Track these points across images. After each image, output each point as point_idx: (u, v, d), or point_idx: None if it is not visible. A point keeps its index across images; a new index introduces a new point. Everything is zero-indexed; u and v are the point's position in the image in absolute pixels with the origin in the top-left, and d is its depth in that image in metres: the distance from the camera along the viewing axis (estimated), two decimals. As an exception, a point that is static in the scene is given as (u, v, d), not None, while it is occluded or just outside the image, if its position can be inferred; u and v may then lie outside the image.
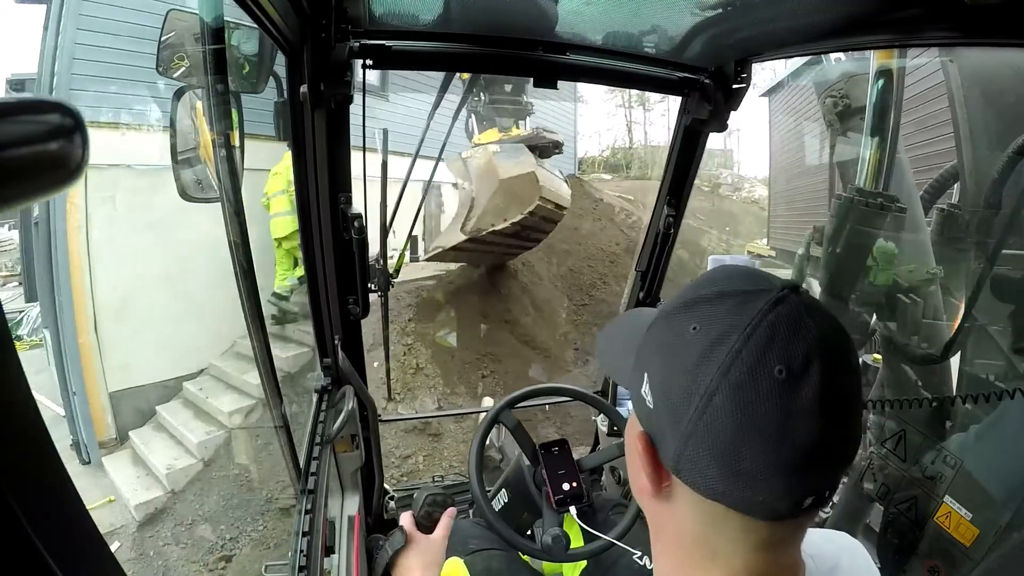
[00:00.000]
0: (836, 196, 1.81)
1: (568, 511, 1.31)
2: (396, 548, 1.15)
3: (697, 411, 0.46)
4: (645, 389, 0.51)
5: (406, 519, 1.21)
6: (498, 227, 5.71)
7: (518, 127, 6.73)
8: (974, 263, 1.60)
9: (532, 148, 5.96)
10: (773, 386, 0.44)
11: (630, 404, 1.86)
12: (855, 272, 1.78)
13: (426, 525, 1.20)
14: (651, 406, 0.50)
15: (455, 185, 6.70)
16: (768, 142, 12.94)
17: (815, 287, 1.88)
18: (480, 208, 5.72)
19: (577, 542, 1.35)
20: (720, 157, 19.57)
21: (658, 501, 0.53)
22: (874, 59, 1.74)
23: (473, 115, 6.83)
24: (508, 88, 6.59)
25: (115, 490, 4.84)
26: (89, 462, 5.22)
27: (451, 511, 1.23)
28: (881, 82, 1.73)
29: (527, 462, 1.42)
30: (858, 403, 0.48)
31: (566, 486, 1.34)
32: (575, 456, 1.41)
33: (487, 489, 1.43)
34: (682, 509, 0.51)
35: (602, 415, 2.08)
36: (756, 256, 11.02)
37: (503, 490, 1.50)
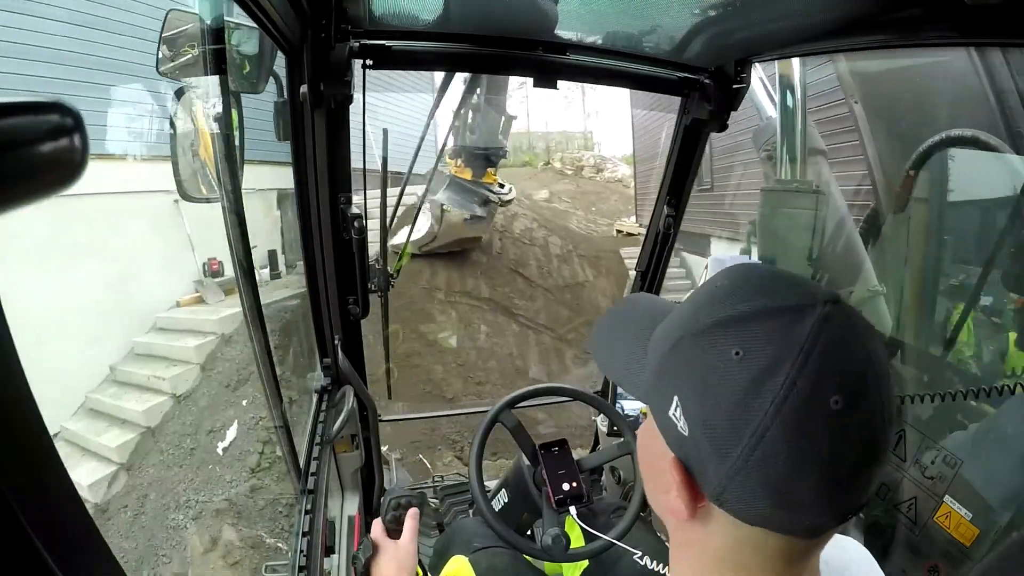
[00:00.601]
0: (761, 189, 2.09)
1: (568, 511, 1.31)
2: (367, 556, 1.13)
3: (748, 447, 0.43)
4: (676, 413, 0.48)
5: (376, 527, 1.19)
6: (441, 250, 8.16)
7: (494, 174, 7.90)
8: (907, 270, 1.72)
9: (486, 157, 7.44)
10: (829, 416, 0.42)
11: (626, 404, 1.86)
12: (784, 250, 2.02)
13: (394, 529, 1.19)
14: (685, 433, 0.47)
15: (423, 211, 7.78)
16: (630, 121, 12.64)
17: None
18: (437, 243, 8.01)
19: (577, 542, 1.35)
20: (581, 139, 19.88)
21: (689, 523, 0.51)
22: (777, 68, 2.03)
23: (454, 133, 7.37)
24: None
25: None
26: None
27: (413, 512, 1.22)
28: (786, 89, 2.02)
29: (527, 462, 1.42)
30: (895, 416, 0.46)
31: (566, 486, 1.34)
32: (575, 456, 1.41)
33: (487, 489, 1.43)
34: (716, 531, 0.49)
35: (602, 415, 2.08)
36: (626, 234, 10.82)
37: (503, 490, 1.50)
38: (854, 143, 2.07)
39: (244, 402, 5.39)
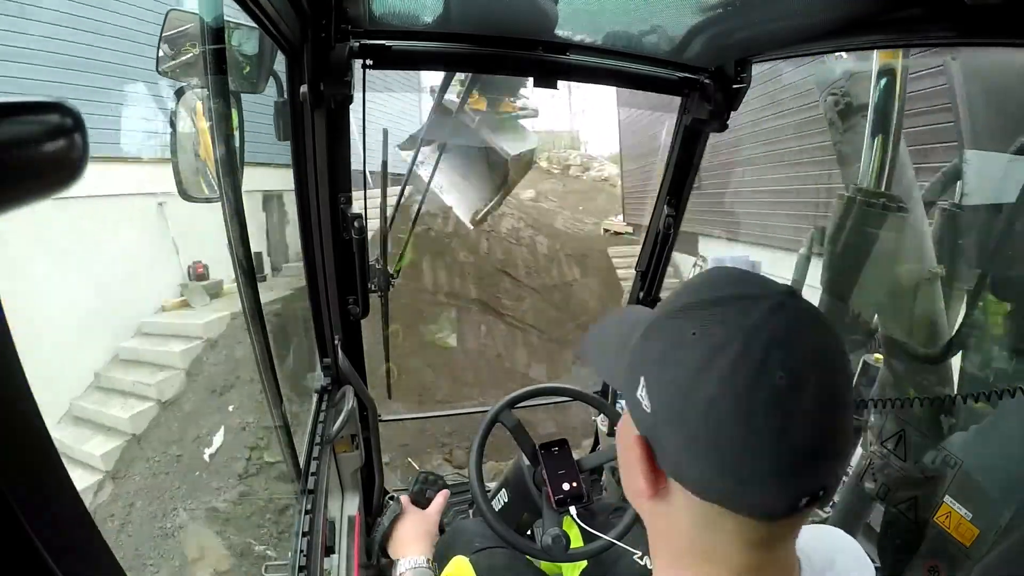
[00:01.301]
0: (839, 195, 1.80)
1: (568, 511, 1.31)
2: (392, 517, 1.22)
3: (701, 416, 0.46)
4: (641, 393, 0.51)
5: (403, 497, 1.29)
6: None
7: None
8: (976, 262, 1.59)
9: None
10: (774, 393, 0.45)
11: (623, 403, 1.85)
12: (856, 272, 1.77)
13: (419, 502, 1.25)
14: (648, 410, 0.51)
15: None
16: (617, 120, 12.40)
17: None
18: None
19: (577, 542, 1.35)
20: (567, 138, 19.52)
21: (654, 503, 0.54)
22: (877, 58, 1.71)
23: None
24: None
25: None
26: None
27: (445, 492, 1.28)
28: (884, 81, 1.70)
29: (527, 462, 1.42)
30: (850, 404, 0.50)
31: (566, 486, 1.34)
32: (575, 456, 1.41)
33: (487, 489, 1.43)
34: (678, 510, 0.52)
35: (602, 415, 2.08)
36: (613, 233, 10.79)
37: (503, 490, 1.50)
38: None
39: (230, 407, 5.37)
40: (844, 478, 1.81)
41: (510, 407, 1.44)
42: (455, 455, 5.76)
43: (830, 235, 1.80)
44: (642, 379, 0.51)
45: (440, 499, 1.26)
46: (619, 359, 0.57)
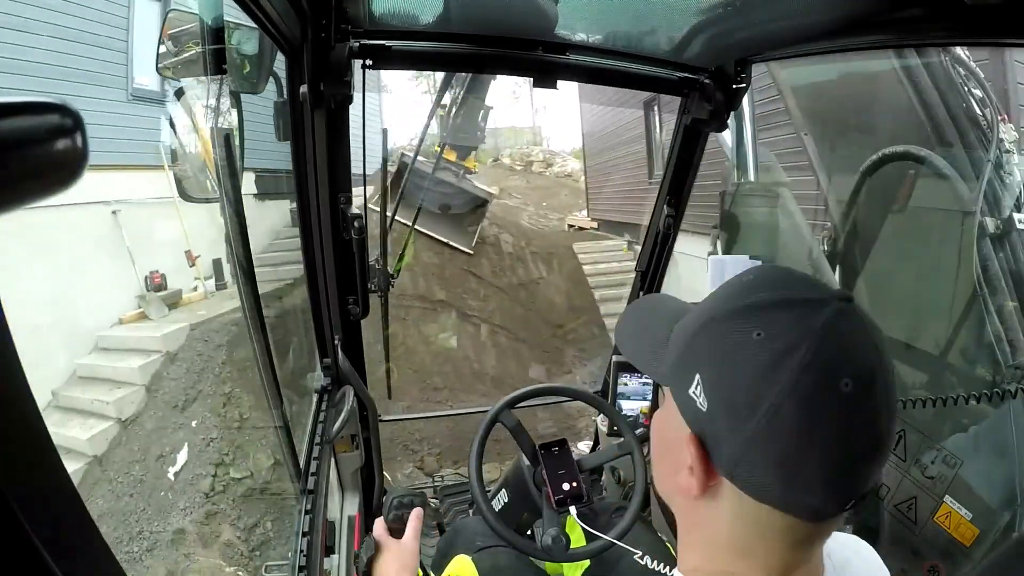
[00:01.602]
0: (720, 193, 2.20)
1: (568, 511, 1.31)
2: (369, 555, 1.15)
3: (763, 420, 0.46)
4: (696, 390, 0.51)
5: (378, 526, 1.21)
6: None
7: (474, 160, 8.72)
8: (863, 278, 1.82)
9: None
10: (840, 399, 0.45)
11: (625, 404, 1.86)
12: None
13: (397, 528, 1.20)
14: (704, 408, 0.50)
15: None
16: (579, 115, 12.47)
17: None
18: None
19: (578, 542, 1.35)
20: (529, 134, 19.76)
21: (697, 500, 0.53)
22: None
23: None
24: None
25: None
26: None
27: (417, 512, 1.22)
28: (740, 121, 2.12)
29: (527, 462, 1.42)
30: (896, 407, 0.50)
31: (566, 486, 1.34)
32: (575, 456, 1.41)
33: (487, 490, 1.43)
34: (726, 509, 0.51)
35: (602, 415, 2.08)
36: (578, 229, 10.71)
37: (503, 490, 1.50)
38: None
39: (194, 423, 5.23)
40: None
41: (510, 407, 1.43)
42: (426, 462, 5.63)
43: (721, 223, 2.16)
44: (697, 376, 0.51)
45: (413, 522, 1.20)
46: (658, 352, 0.57)
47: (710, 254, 2.16)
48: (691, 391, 0.51)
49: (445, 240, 8.42)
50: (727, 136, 2.18)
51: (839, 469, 0.47)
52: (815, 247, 1.96)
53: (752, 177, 2.15)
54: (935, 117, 1.59)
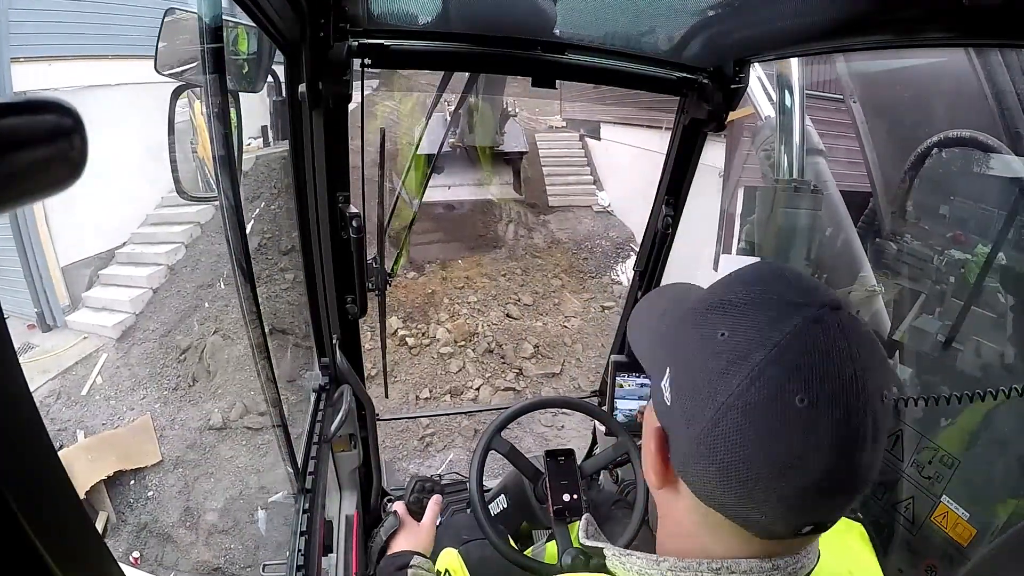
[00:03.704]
0: (758, 189, 2.13)
1: (571, 520, 1.33)
2: (390, 532, 1.25)
3: (711, 423, 0.44)
4: (665, 383, 0.50)
5: (399, 506, 1.30)
6: None
7: None
8: (907, 270, 1.74)
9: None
10: (791, 416, 0.42)
11: (622, 404, 1.87)
12: (791, 251, 2.01)
13: (416, 511, 1.29)
14: (668, 403, 0.49)
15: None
16: None
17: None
18: None
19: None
20: None
21: (664, 491, 0.53)
22: (776, 68, 2.01)
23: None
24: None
25: (87, 331, 6.72)
26: (55, 325, 6.91)
27: (437, 498, 1.32)
28: (784, 88, 2.02)
29: (527, 480, 1.44)
30: (881, 438, 0.44)
31: (566, 497, 1.35)
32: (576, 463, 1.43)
33: (486, 489, 1.44)
34: (684, 505, 0.51)
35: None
36: (551, 128, 12.20)
37: (502, 495, 1.50)
38: (853, 146, 2.07)
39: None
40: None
41: (499, 432, 1.44)
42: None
43: (760, 222, 2.04)
44: (668, 370, 0.50)
45: (433, 507, 1.29)
46: (652, 339, 0.56)
47: (723, 253, 2.15)
48: (662, 383, 0.50)
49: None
50: (767, 125, 2.08)
51: (789, 493, 0.43)
52: (849, 231, 1.89)
53: (796, 172, 1.99)
54: (1005, 104, 1.49)
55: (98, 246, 7.44)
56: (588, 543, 0.63)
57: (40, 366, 6.10)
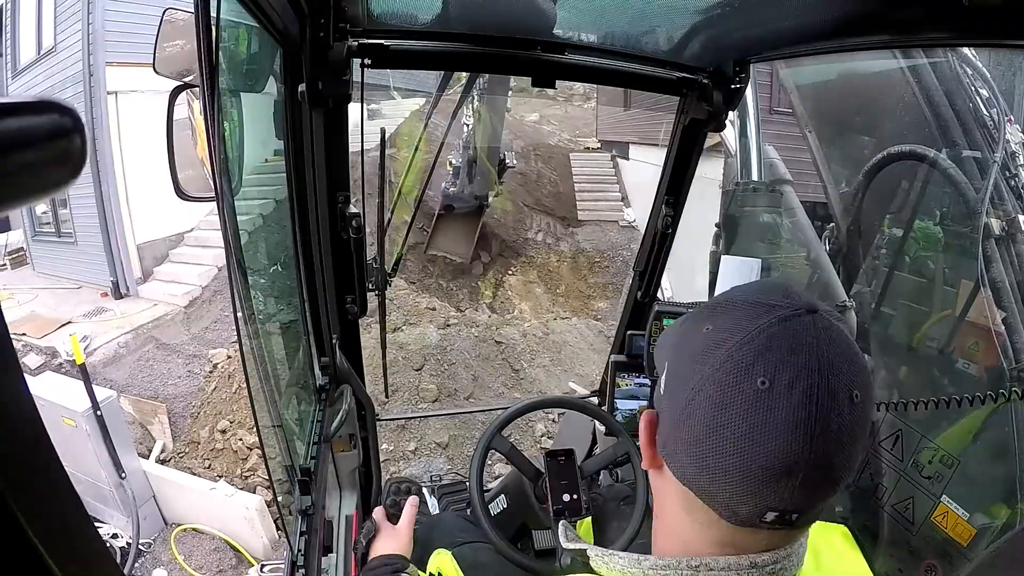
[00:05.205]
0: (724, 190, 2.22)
1: (575, 519, 1.34)
2: (368, 537, 1.25)
3: (685, 402, 0.50)
4: (663, 377, 0.55)
5: (377, 512, 1.32)
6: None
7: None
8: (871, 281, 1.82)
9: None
10: (752, 395, 0.46)
11: (622, 403, 1.87)
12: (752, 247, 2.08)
13: (394, 513, 1.30)
14: (661, 391, 0.55)
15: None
16: None
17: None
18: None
19: (587, 536, 1.37)
20: None
21: (654, 476, 0.58)
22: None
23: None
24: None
25: (157, 299, 7.82)
26: (130, 293, 7.93)
27: (413, 500, 1.33)
28: (744, 118, 2.15)
29: (528, 480, 1.44)
30: (851, 438, 0.47)
31: (566, 497, 1.36)
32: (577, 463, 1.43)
33: (486, 489, 1.44)
34: (670, 489, 0.55)
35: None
36: (586, 149, 13.07)
37: (502, 495, 1.50)
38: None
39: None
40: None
41: (499, 431, 1.44)
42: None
43: (722, 222, 2.15)
44: (666, 364, 0.55)
45: (409, 508, 1.29)
46: (663, 348, 0.61)
47: (713, 253, 2.18)
48: (662, 378, 0.56)
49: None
50: (729, 133, 2.17)
51: (747, 471, 0.46)
52: (818, 249, 1.95)
53: (755, 175, 2.13)
54: (941, 116, 1.58)
55: (170, 228, 8.46)
56: (569, 546, 0.66)
57: (114, 324, 7.13)
